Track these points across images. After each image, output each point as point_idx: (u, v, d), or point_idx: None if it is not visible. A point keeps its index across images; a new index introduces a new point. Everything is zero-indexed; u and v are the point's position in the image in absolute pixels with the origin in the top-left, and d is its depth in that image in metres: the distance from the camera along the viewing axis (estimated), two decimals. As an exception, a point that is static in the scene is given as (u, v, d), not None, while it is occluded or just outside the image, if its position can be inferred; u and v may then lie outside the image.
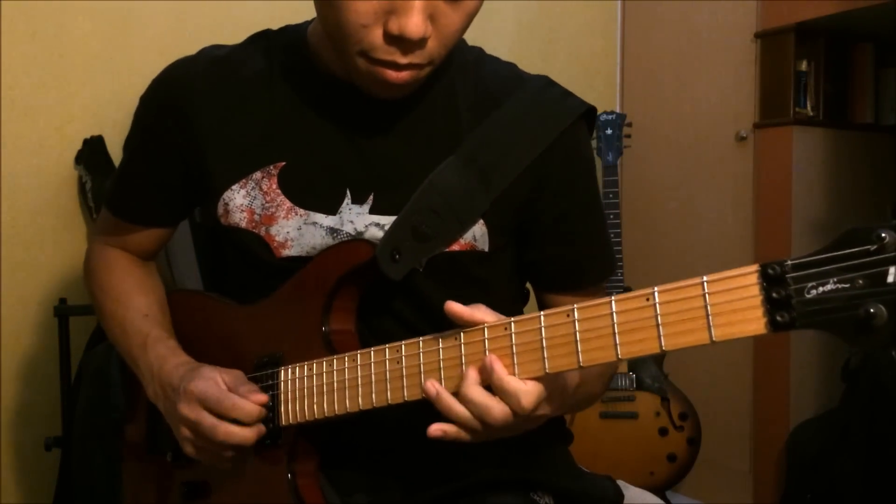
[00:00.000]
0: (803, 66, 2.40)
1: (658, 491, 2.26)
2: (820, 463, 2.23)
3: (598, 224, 1.01)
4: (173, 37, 2.12)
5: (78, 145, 2.00)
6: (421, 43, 0.81)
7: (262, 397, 0.89)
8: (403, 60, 0.82)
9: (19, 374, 1.98)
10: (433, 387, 0.79)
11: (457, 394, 0.78)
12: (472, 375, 0.77)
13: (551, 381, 0.78)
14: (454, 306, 0.79)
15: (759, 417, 2.49)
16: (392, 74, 0.83)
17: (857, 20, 2.30)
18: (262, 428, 0.89)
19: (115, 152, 2.03)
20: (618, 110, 2.62)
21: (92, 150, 1.98)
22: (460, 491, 0.95)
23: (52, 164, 2.00)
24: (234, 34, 2.37)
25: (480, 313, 0.79)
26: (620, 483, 1.11)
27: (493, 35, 2.62)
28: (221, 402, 0.87)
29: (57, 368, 1.93)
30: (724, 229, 2.60)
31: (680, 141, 2.73)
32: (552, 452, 1.05)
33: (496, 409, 0.76)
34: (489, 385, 0.77)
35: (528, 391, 0.76)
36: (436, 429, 0.80)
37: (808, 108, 2.42)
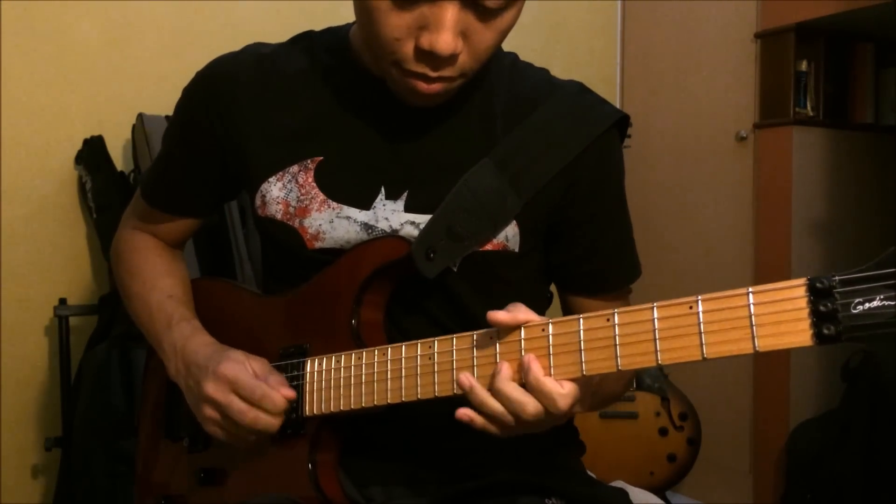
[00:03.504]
0: (803, 66, 2.40)
1: (658, 491, 2.26)
2: (820, 463, 2.24)
3: (624, 230, 1.02)
4: (173, 37, 2.12)
5: (78, 145, 2.01)
6: (451, 59, 0.82)
7: (291, 393, 0.91)
8: (434, 74, 0.83)
9: (20, 374, 1.98)
10: (467, 379, 0.79)
11: (490, 388, 0.78)
12: (506, 371, 0.78)
13: (582, 382, 0.78)
14: (496, 316, 0.78)
15: (759, 417, 2.50)
16: (423, 86, 0.85)
17: (857, 20, 2.30)
18: (283, 416, 0.91)
19: (115, 152, 2.04)
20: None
21: (92, 150, 1.98)
22: (474, 491, 0.96)
23: (52, 164, 2.00)
24: (233, 35, 2.37)
25: (522, 315, 0.79)
26: (620, 483, 1.11)
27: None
28: (254, 391, 0.89)
29: (57, 368, 1.94)
30: (723, 229, 2.60)
31: (680, 141, 2.73)
32: (566, 461, 1.06)
33: (531, 405, 0.77)
34: (523, 383, 0.77)
35: (564, 394, 0.76)
36: (463, 413, 0.80)
37: (808, 108, 2.42)
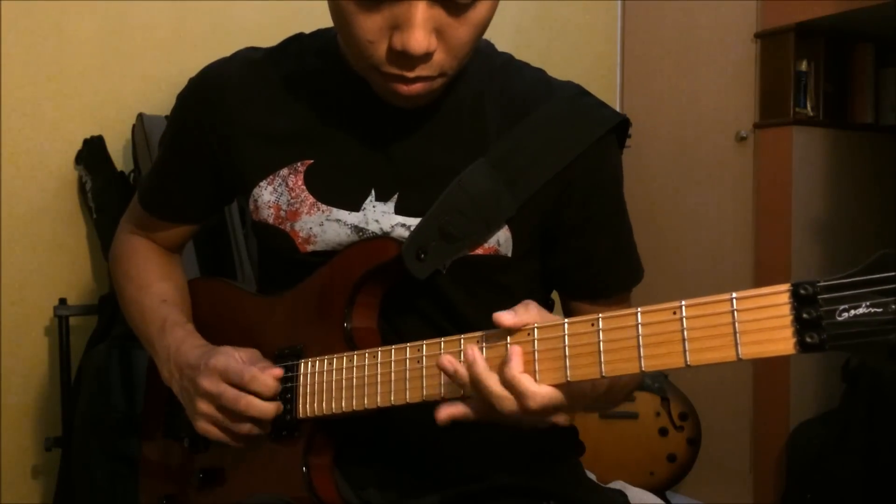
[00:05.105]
0: (803, 66, 2.40)
1: (658, 491, 2.26)
2: (820, 463, 2.23)
3: (621, 236, 1.00)
4: (173, 38, 2.12)
5: (78, 145, 2.00)
6: (425, 57, 0.81)
7: (278, 371, 0.91)
8: (411, 74, 0.83)
9: (19, 374, 1.98)
10: (472, 352, 0.76)
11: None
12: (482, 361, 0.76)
13: (570, 388, 0.76)
14: (502, 318, 0.76)
15: (759, 417, 2.49)
16: (403, 88, 0.84)
17: (857, 20, 2.30)
18: (279, 405, 0.92)
19: (116, 152, 2.04)
20: (618, 110, 2.63)
21: (92, 150, 1.98)
22: (472, 494, 0.96)
23: (52, 164, 2.00)
24: (232, 35, 2.36)
25: (528, 315, 0.77)
26: (620, 483, 1.11)
27: (493, 35, 2.60)
28: (242, 374, 0.89)
29: (57, 368, 1.94)
30: (724, 229, 2.60)
31: (680, 141, 2.73)
32: (565, 463, 1.05)
33: (507, 402, 0.75)
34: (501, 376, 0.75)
35: (540, 393, 0.74)
36: (444, 414, 0.78)
37: (808, 108, 2.42)
